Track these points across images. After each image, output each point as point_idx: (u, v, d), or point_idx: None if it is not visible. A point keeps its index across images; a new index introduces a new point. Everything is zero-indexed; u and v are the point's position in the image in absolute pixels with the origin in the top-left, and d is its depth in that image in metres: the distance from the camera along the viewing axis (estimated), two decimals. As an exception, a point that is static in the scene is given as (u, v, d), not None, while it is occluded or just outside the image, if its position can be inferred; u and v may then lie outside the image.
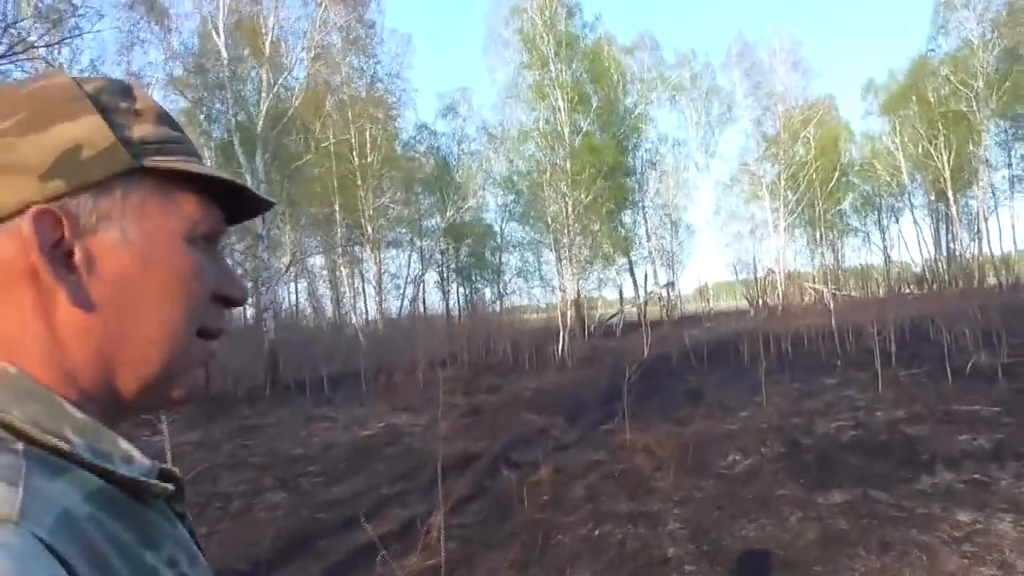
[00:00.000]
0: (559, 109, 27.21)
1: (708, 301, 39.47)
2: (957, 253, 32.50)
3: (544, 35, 27.19)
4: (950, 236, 34.33)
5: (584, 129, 28.42)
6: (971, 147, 31.96)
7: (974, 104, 30.21)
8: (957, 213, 33.86)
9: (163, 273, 0.55)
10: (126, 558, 0.47)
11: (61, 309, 0.52)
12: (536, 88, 27.81)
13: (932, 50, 32.13)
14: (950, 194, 31.59)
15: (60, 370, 0.52)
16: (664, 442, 7.08)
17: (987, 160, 34.63)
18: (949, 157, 30.52)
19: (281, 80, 18.80)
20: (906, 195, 35.81)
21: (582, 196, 25.23)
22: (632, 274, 34.06)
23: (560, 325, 20.24)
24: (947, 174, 30.42)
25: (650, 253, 33.28)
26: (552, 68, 27.39)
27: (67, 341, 0.52)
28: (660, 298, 31.44)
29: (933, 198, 36.31)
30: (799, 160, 33.08)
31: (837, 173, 34.32)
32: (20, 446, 0.47)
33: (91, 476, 0.49)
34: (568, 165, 25.70)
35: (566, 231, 25.22)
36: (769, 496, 5.46)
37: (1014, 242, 41.38)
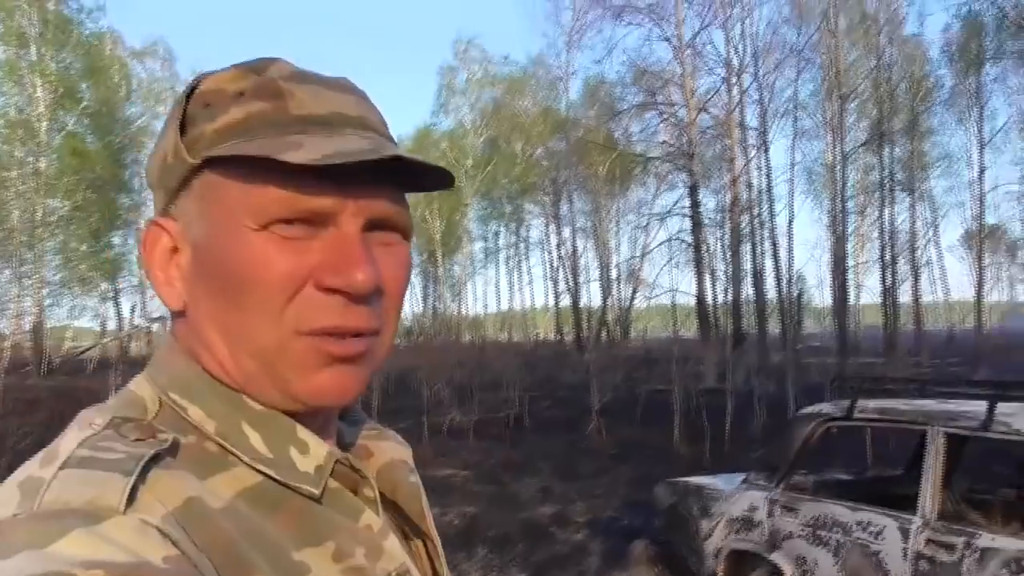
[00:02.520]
0: (38, 99, 22.45)
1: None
2: (440, 311, 35.56)
3: (26, 8, 22.28)
4: (436, 295, 37.60)
5: (69, 128, 23.96)
6: (459, 218, 35.65)
7: (463, 179, 33.72)
8: (443, 275, 37.34)
9: (227, 266, 0.52)
10: (263, 551, 0.47)
11: (187, 311, 0.55)
12: (8, 68, 22.55)
13: (434, 124, 35.23)
14: (439, 257, 34.61)
15: (223, 369, 0.54)
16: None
17: (470, 231, 39.03)
18: (440, 224, 33.39)
19: None
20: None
21: (59, 205, 21.03)
22: (117, 304, 29.75)
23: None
24: (438, 237, 33.14)
25: (141, 282, 29.39)
26: (33, 49, 22.60)
27: (208, 342, 0.54)
28: (148, 333, 27.90)
29: (425, 258, 39.56)
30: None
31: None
32: (170, 437, 0.48)
33: (251, 472, 0.51)
34: (43, 166, 21.28)
35: (32, 244, 20.66)
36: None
37: (485, 305, 47.45)
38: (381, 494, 0.60)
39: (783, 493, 4.15)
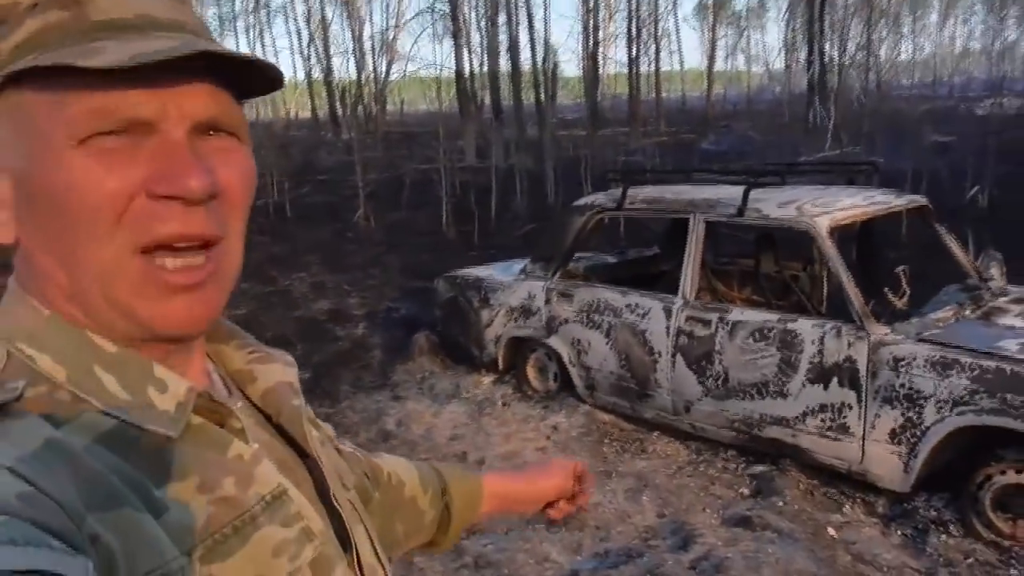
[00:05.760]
0: None
1: None
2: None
3: None
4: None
5: None
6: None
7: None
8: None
9: (52, 189, 0.49)
10: (130, 485, 0.46)
11: (22, 244, 0.52)
12: None
13: None
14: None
15: (72, 303, 0.51)
16: None
17: (199, -6, 34.41)
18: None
19: None
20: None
21: None
22: None
23: None
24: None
25: None
26: None
27: (48, 273, 0.51)
28: None
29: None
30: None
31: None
32: (19, 386, 0.47)
33: (105, 417, 0.50)
34: None
35: None
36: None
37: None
38: (267, 417, 0.63)
39: (559, 282, 4.35)
